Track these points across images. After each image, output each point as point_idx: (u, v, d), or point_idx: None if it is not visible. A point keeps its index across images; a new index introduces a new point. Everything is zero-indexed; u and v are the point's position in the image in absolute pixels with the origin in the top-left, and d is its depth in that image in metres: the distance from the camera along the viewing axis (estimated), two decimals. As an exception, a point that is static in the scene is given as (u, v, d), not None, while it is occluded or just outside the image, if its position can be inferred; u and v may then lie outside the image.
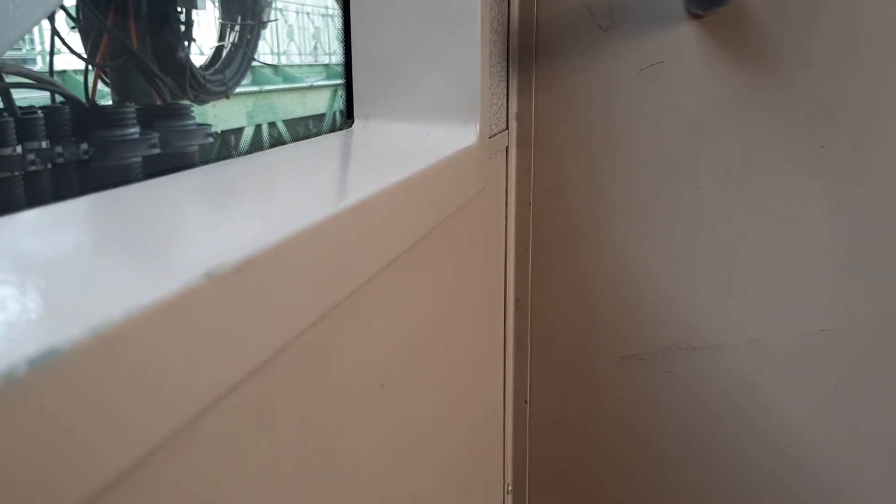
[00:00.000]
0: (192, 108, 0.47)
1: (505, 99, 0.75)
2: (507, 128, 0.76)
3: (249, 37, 0.54)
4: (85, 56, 0.39)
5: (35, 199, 0.36)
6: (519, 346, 0.84)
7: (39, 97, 0.37)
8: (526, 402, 0.86)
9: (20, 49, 0.37)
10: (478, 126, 0.58)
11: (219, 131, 0.49)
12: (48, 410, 0.15)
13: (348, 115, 0.64)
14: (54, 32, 0.38)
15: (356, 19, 0.61)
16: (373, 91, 0.61)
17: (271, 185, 0.39)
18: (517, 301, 0.83)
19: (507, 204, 0.79)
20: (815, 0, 0.65)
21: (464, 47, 0.57)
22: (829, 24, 0.66)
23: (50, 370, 0.15)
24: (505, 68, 0.74)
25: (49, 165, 0.37)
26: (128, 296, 0.18)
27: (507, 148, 0.77)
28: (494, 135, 0.69)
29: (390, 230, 0.38)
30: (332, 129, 0.64)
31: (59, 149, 0.38)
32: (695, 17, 0.69)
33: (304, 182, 0.40)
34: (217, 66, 0.50)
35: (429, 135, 0.58)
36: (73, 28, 0.39)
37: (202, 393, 0.21)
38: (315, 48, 0.62)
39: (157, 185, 0.37)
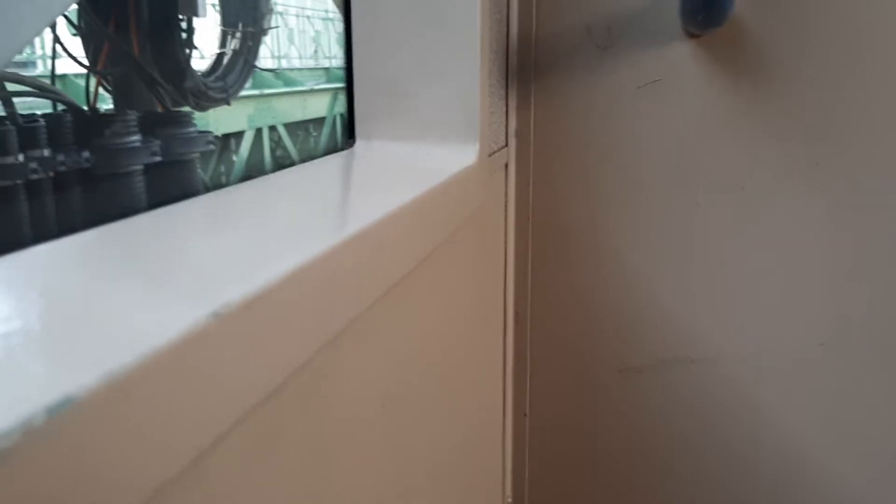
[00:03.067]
0: (194, 116, 0.47)
1: (504, 116, 0.75)
2: (507, 144, 0.77)
3: (251, 44, 0.53)
4: (86, 63, 0.39)
5: (37, 207, 0.36)
6: (518, 359, 0.84)
7: (41, 104, 0.37)
8: (525, 414, 0.86)
9: (21, 53, 0.37)
10: (478, 145, 0.58)
11: (219, 135, 0.49)
12: (65, 456, 0.15)
13: (350, 135, 0.64)
14: (56, 39, 0.38)
15: (357, 40, 0.61)
16: (374, 111, 0.61)
17: (275, 213, 0.39)
18: (517, 314, 0.83)
19: (506, 219, 0.79)
20: (810, 19, 0.66)
21: (464, 68, 0.57)
22: (823, 43, 0.66)
23: (66, 418, 0.15)
24: (504, 86, 0.74)
25: (51, 174, 0.37)
26: (138, 338, 0.18)
27: (506, 164, 0.77)
28: (494, 152, 0.69)
29: (393, 255, 0.38)
30: (332, 132, 0.64)
31: (60, 157, 0.37)
32: (692, 36, 0.70)
33: (308, 209, 0.40)
34: (218, 72, 0.50)
35: (429, 154, 0.58)
36: (74, 34, 0.39)
37: (211, 427, 0.21)
38: (315, 52, 0.62)
39: (160, 217, 0.36)
